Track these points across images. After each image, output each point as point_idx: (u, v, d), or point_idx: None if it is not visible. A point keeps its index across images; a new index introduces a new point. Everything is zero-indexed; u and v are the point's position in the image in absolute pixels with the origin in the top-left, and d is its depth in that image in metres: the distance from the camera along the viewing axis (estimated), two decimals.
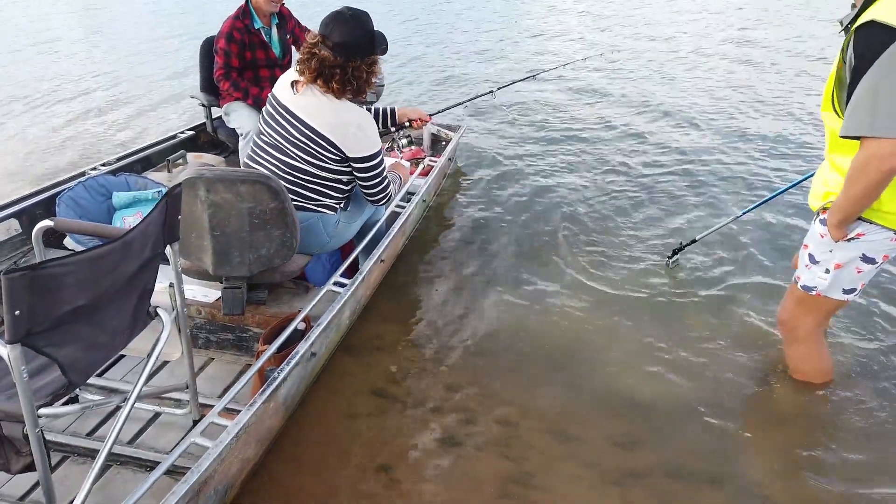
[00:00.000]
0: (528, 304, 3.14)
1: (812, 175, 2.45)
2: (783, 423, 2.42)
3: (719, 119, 5.92)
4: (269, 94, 2.64)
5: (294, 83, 2.47)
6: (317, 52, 2.38)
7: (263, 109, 2.62)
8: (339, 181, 2.59)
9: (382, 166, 2.61)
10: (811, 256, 2.27)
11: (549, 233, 3.84)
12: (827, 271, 2.23)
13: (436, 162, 4.00)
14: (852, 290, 2.26)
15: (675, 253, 3.43)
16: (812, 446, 2.29)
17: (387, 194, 2.71)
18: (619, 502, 2.06)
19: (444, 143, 4.49)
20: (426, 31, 10.27)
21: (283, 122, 2.48)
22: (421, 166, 3.98)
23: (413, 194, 3.46)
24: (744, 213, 3.40)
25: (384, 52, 2.51)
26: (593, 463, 2.21)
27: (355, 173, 2.57)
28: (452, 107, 4.38)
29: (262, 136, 2.59)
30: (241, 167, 2.82)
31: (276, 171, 2.52)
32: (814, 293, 2.30)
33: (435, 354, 2.77)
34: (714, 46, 8.91)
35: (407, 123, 3.24)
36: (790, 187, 3.26)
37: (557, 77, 7.14)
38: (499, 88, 4.42)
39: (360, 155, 2.50)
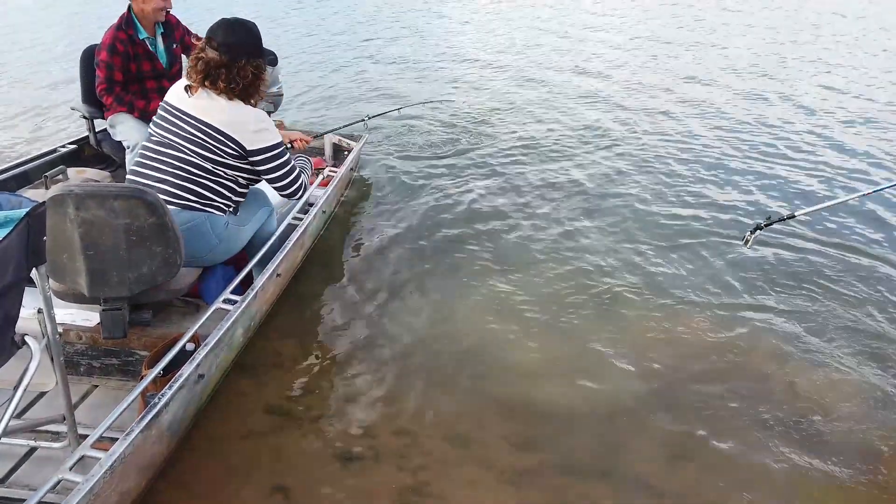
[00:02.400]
0: (431, 312, 3.17)
1: None
2: (670, 417, 2.55)
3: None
4: (158, 105, 2.61)
5: (188, 87, 2.50)
6: (203, 55, 2.45)
7: (154, 117, 2.59)
8: (236, 181, 2.59)
9: (287, 157, 2.65)
10: None
11: (453, 242, 3.88)
12: None
13: (336, 172, 3.96)
14: None
15: (757, 228, 3.03)
16: (692, 436, 2.43)
17: (300, 184, 2.73)
18: (514, 501, 2.12)
19: (345, 152, 4.46)
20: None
21: (177, 122, 2.49)
22: (321, 176, 3.93)
23: (312, 205, 3.41)
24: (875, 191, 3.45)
25: (273, 63, 2.52)
26: (489, 465, 2.25)
27: (259, 169, 2.59)
28: (328, 132, 4.45)
29: (151, 139, 2.56)
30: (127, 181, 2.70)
31: (166, 168, 2.49)
32: None
33: (335, 367, 2.75)
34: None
35: (289, 144, 3.24)
36: None
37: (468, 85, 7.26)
38: (370, 118, 4.50)
39: (259, 146, 2.53)
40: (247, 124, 2.48)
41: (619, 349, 2.90)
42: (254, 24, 2.58)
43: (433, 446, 2.32)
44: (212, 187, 2.53)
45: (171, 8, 3.59)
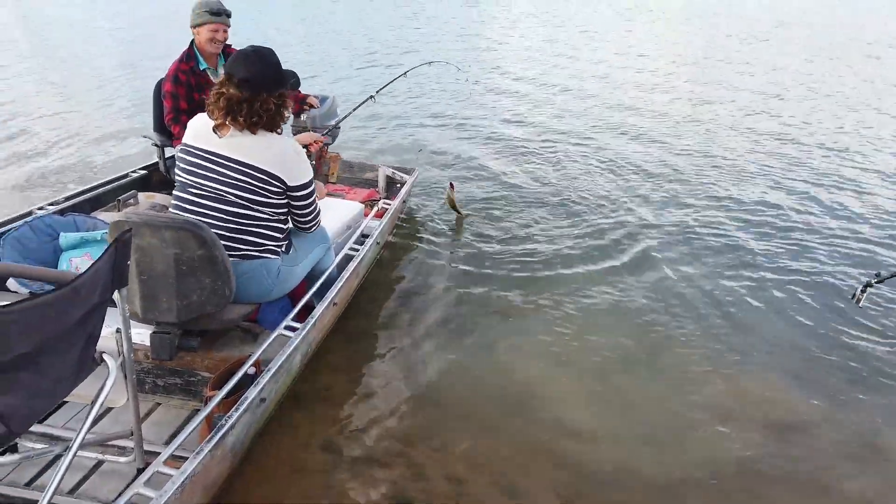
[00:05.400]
0: (479, 353, 3.17)
1: None
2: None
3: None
4: (179, 145, 2.58)
5: (216, 128, 2.44)
6: (224, 91, 2.39)
7: (180, 161, 2.53)
8: (280, 218, 2.58)
9: (313, 188, 2.63)
10: None
11: (504, 282, 3.88)
12: None
13: (390, 204, 4.06)
14: None
15: (868, 286, 3.04)
16: None
17: (318, 218, 2.73)
18: None
19: (398, 185, 4.56)
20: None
21: (217, 168, 2.43)
22: (375, 208, 4.03)
23: (367, 237, 3.50)
24: None
25: (295, 87, 2.49)
26: None
27: (292, 202, 2.57)
28: (342, 119, 4.50)
29: (190, 190, 2.48)
30: None
31: (217, 222, 2.45)
32: None
33: (385, 406, 2.76)
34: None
35: (304, 150, 3.25)
36: None
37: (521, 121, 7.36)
38: (377, 91, 4.55)
39: (299, 182, 2.50)
40: (287, 159, 2.44)
41: (676, 411, 2.81)
42: (271, 51, 2.49)
43: (483, 493, 2.32)
44: (263, 233, 2.52)
45: (224, 40, 3.71)
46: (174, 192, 2.54)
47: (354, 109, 4.68)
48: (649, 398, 2.89)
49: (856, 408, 2.88)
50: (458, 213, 4.74)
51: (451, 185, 4.69)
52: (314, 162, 3.55)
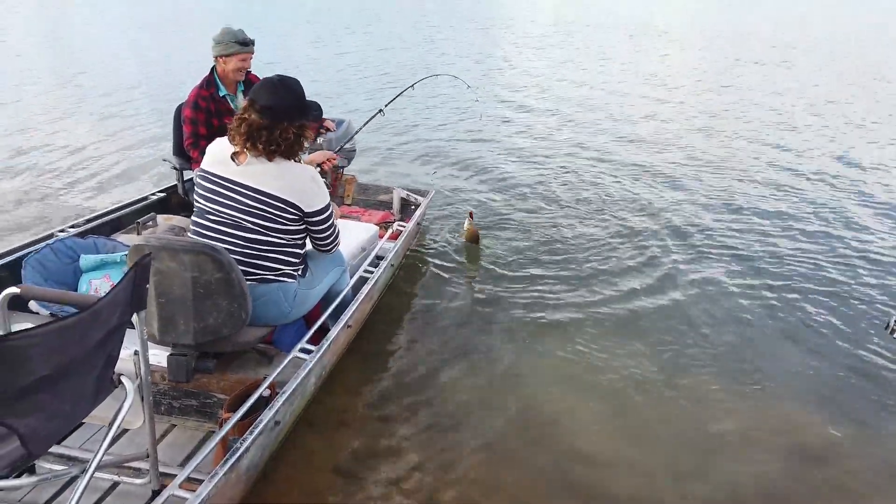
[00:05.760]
0: (497, 376, 3.16)
1: None
2: None
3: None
4: (197, 170, 2.59)
5: (234, 155, 2.48)
6: (246, 116, 2.42)
7: (198, 187, 2.56)
8: (296, 243, 2.61)
9: (331, 212, 2.65)
10: None
11: (520, 300, 3.88)
12: None
13: (405, 226, 4.09)
14: None
15: None
16: None
17: (338, 240, 2.75)
18: None
19: (413, 207, 4.59)
20: None
21: (233, 195, 2.46)
22: (390, 230, 4.06)
23: (382, 258, 3.52)
24: None
25: (317, 119, 2.53)
26: None
27: (311, 227, 2.59)
28: (354, 134, 4.50)
29: (209, 216, 2.52)
30: None
31: (235, 248, 2.47)
32: None
33: (398, 429, 2.75)
34: None
35: (317, 168, 3.23)
36: None
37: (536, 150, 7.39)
38: (386, 105, 4.56)
39: (316, 208, 2.53)
40: (303, 187, 2.47)
41: (696, 438, 2.76)
42: (296, 81, 2.54)
43: None
44: (279, 258, 2.55)
45: (249, 68, 3.84)
46: (193, 217, 2.58)
47: (365, 124, 4.73)
48: (669, 424, 2.86)
49: (885, 437, 2.82)
50: (478, 245, 4.65)
51: (471, 214, 4.65)
52: (329, 183, 3.58)
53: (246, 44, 3.69)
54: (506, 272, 4.26)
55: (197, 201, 2.56)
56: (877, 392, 3.13)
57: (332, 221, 2.67)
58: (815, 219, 5.40)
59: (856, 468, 2.64)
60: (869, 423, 2.91)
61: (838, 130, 8.58)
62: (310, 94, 2.57)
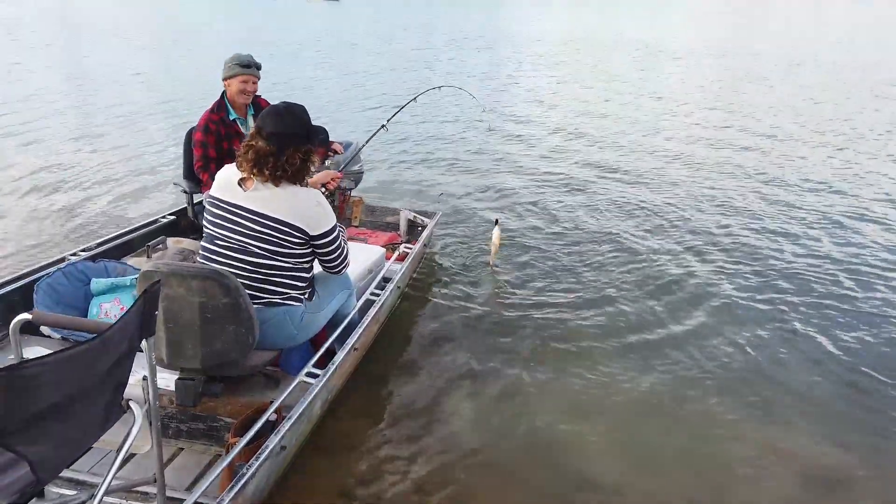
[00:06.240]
0: (504, 400, 3.15)
1: None
2: None
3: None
4: (206, 194, 2.64)
5: (241, 181, 2.52)
6: (253, 143, 2.48)
7: (207, 213, 2.61)
8: (303, 267, 2.64)
9: (338, 233, 2.68)
10: None
11: (528, 324, 3.87)
12: None
13: (412, 248, 4.11)
14: None
15: None
16: None
17: (346, 261, 2.77)
18: None
19: (420, 228, 4.62)
20: None
21: (241, 220, 2.50)
22: (397, 252, 4.08)
23: (389, 280, 3.54)
24: None
25: (324, 143, 2.56)
26: None
27: (317, 250, 2.63)
28: (359, 149, 4.49)
29: (217, 242, 2.56)
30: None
31: (239, 272, 2.51)
32: None
33: (405, 453, 2.75)
34: None
35: (322, 189, 3.28)
36: None
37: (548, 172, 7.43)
38: (388, 120, 4.56)
39: (322, 231, 2.56)
40: (308, 210, 2.51)
41: (706, 466, 2.74)
42: (302, 108, 2.60)
43: None
44: (286, 282, 2.58)
45: (254, 91, 3.86)
46: (202, 242, 2.62)
47: (368, 140, 4.77)
48: (678, 451, 2.85)
49: None
50: (490, 262, 4.68)
51: (497, 221, 4.65)
52: (337, 205, 3.60)
53: (248, 66, 3.73)
54: (514, 292, 4.27)
55: (206, 227, 2.61)
56: (891, 416, 3.10)
57: (340, 242, 2.70)
58: (827, 241, 5.39)
59: (869, 494, 2.62)
60: (884, 451, 2.88)
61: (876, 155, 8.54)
62: (316, 115, 2.62)
